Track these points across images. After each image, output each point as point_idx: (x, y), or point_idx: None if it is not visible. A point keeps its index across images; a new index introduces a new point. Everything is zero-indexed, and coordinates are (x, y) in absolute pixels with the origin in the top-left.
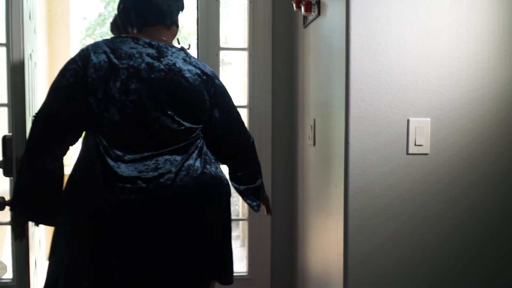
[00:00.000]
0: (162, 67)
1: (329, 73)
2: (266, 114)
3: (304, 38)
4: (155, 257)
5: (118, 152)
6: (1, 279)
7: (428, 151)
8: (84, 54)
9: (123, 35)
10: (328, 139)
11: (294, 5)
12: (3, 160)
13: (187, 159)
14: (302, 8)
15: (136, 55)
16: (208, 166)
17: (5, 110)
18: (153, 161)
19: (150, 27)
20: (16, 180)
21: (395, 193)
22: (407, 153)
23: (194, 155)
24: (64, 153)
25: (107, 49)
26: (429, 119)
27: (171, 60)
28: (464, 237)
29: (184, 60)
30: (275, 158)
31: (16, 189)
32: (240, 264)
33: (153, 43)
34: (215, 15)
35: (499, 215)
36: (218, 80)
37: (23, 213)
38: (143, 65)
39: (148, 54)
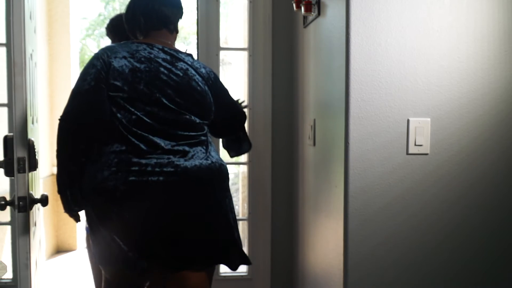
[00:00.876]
0: (177, 71)
1: (329, 73)
2: (266, 114)
3: (304, 38)
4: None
5: (145, 145)
6: (1, 279)
7: (428, 151)
8: (103, 58)
9: (134, 41)
10: (328, 139)
11: (294, 5)
12: (5, 160)
13: (207, 151)
14: (302, 8)
15: (154, 60)
16: (222, 160)
17: (5, 110)
18: (174, 154)
19: (156, 31)
20: (57, 178)
21: (395, 193)
22: (407, 153)
23: (211, 149)
24: (90, 149)
25: (126, 54)
26: (429, 119)
27: (184, 66)
28: (464, 237)
29: (193, 65)
30: (275, 158)
31: (59, 184)
32: None
33: (166, 49)
34: (215, 15)
35: (498, 214)
36: (220, 82)
37: (72, 202)
38: (161, 68)
39: (164, 60)
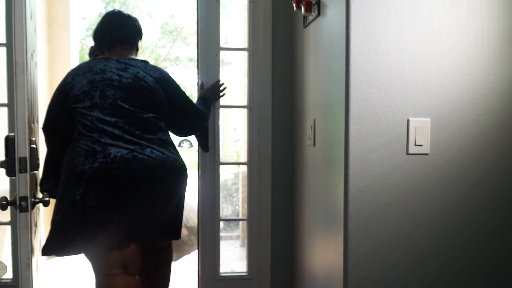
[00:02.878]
0: (129, 75)
1: (329, 73)
2: (266, 114)
3: (304, 38)
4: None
5: (108, 139)
6: (1, 279)
7: (428, 151)
8: (68, 80)
9: (96, 57)
10: (328, 139)
11: (294, 5)
12: (6, 160)
13: (164, 146)
14: (302, 8)
15: (108, 70)
16: (179, 156)
17: (5, 110)
18: (133, 146)
19: (121, 45)
20: (43, 171)
21: (395, 193)
22: (407, 153)
23: (168, 146)
24: (66, 147)
25: (86, 69)
26: (429, 119)
27: (135, 70)
28: (464, 237)
29: (145, 69)
30: (275, 158)
31: (43, 176)
32: (240, 264)
33: (120, 59)
34: (215, 15)
35: (499, 215)
36: (173, 84)
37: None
38: (114, 76)
39: (117, 68)
